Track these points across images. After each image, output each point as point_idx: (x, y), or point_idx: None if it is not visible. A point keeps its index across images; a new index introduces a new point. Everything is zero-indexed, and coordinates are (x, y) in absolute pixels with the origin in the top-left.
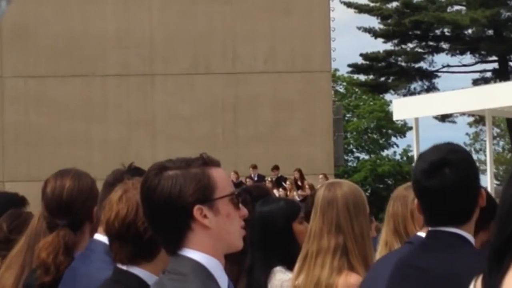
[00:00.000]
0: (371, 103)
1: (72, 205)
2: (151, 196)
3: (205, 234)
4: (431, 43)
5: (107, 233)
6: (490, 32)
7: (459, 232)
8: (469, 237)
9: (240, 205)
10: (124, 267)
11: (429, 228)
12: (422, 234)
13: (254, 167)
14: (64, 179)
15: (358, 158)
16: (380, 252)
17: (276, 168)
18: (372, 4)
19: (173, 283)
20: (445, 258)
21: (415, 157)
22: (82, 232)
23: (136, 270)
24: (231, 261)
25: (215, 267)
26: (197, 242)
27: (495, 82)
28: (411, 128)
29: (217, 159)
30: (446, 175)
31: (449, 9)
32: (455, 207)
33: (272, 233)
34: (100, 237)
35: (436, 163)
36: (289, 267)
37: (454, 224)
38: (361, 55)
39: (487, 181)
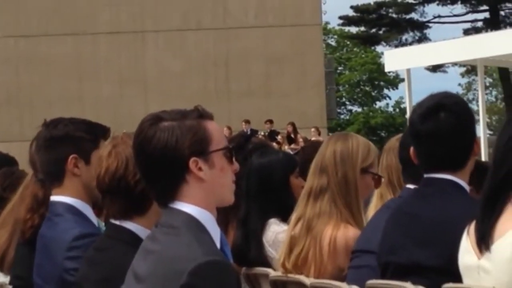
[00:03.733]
0: (363, 55)
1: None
2: (147, 147)
3: (199, 187)
4: None
5: (98, 188)
6: None
7: (453, 179)
8: (464, 184)
9: (233, 160)
10: (117, 222)
11: (424, 175)
12: (411, 186)
13: (247, 121)
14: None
15: (350, 111)
16: (375, 204)
17: (269, 121)
18: None
19: (165, 236)
20: (438, 204)
21: (408, 109)
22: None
23: (128, 225)
24: (222, 213)
25: (208, 219)
26: (190, 195)
27: (486, 31)
28: (403, 80)
29: (211, 112)
30: (441, 118)
31: None
32: (450, 151)
33: (269, 184)
34: (57, 197)
35: (432, 107)
36: (284, 219)
37: (449, 170)
38: (351, 7)
39: (480, 131)
